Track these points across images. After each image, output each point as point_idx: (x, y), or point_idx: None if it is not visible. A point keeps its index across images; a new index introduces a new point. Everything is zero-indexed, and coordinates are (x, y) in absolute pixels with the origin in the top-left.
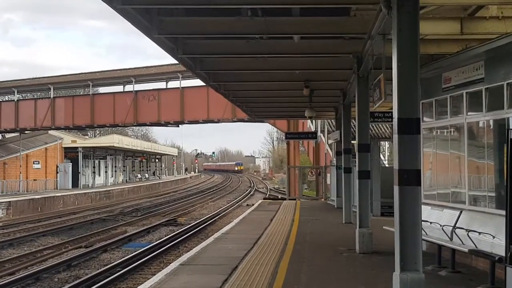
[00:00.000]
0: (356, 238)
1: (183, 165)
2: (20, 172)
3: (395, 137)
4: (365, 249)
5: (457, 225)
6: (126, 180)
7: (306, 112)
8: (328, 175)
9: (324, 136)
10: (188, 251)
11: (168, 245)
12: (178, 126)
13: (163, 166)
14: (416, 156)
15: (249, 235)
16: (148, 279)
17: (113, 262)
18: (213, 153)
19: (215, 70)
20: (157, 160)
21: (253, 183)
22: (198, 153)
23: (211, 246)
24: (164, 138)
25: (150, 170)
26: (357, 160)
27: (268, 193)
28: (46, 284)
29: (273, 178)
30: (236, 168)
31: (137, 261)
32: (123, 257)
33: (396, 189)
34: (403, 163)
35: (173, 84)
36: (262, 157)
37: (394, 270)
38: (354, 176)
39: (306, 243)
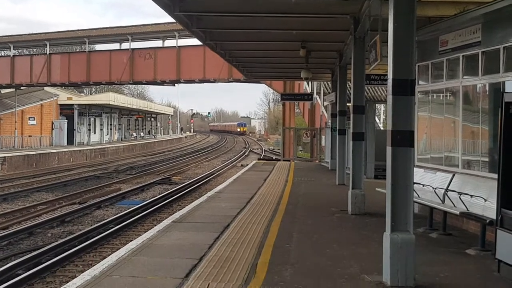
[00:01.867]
0: (348, 199)
1: (179, 125)
2: (16, 128)
3: (389, 97)
4: (358, 211)
5: (449, 188)
6: (121, 138)
7: (302, 73)
8: (323, 137)
9: (319, 98)
10: (181, 209)
11: (162, 203)
12: (174, 85)
13: (158, 125)
14: (409, 118)
15: (242, 194)
16: (140, 235)
17: (106, 219)
18: (209, 113)
19: (212, 29)
20: (152, 119)
21: (248, 144)
22: (194, 113)
23: (204, 205)
24: (160, 97)
25: (145, 129)
26: (351, 122)
27: (263, 154)
28: (39, 239)
29: (268, 139)
30: (239, 130)
31: (130, 218)
32: (117, 214)
33: (388, 150)
34: (397, 124)
35: (170, 43)
36: (258, 119)
37: (385, 231)
38: (348, 138)
39: (299, 204)
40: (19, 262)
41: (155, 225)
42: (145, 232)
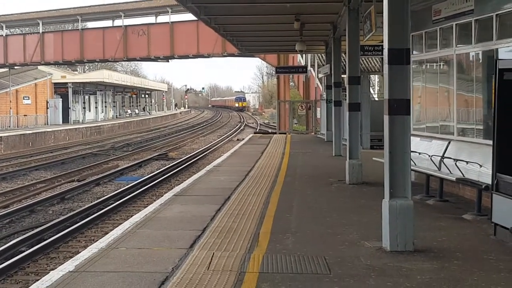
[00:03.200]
0: (346, 169)
1: (173, 101)
2: (10, 108)
3: (386, 67)
4: (355, 180)
5: (445, 155)
6: (116, 115)
7: (297, 46)
8: (318, 109)
9: (314, 70)
10: (179, 184)
11: (160, 179)
12: (168, 61)
13: (153, 101)
14: (405, 86)
15: (240, 167)
16: (141, 210)
17: (106, 195)
18: (203, 88)
19: (206, 4)
20: (147, 96)
21: (243, 118)
22: (188, 89)
23: (203, 178)
24: (154, 74)
25: (140, 105)
26: (347, 92)
27: (258, 128)
28: (41, 216)
29: (263, 113)
30: (237, 105)
31: (130, 194)
32: (116, 190)
33: (386, 118)
34: (393, 93)
35: (162, 19)
36: (252, 93)
37: (384, 198)
38: (344, 110)
39: (297, 175)
40: (22, 239)
41: (156, 200)
42: (146, 206)
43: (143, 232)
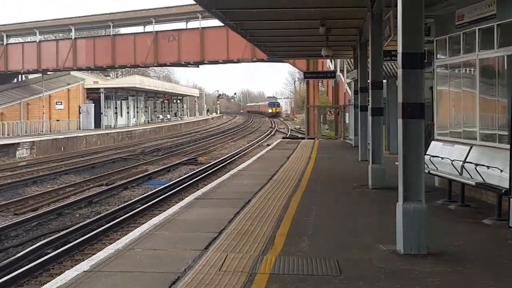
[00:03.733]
0: (369, 174)
1: (205, 106)
2: (43, 113)
3: (399, 71)
4: (377, 185)
5: (466, 160)
6: (148, 121)
7: (323, 51)
8: (347, 114)
9: (343, 75)
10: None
11: (188, 183)
12: (198, 66)
13: (184, 107)
14: (419, 90)
15: (264, 172)
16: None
17: (133, 199)
18: (235, 94)
19: (232, 9)
20: (178, 101)
21: (274, 123)
22: (220, 94)
23: (226, 182)
24: (186, 80)
25: (171, 111)
26: (370, 97)
27: (289, 133)
28: (68, 219)
29: (295, 118)
30: (270, 111)
31: (156, 198)
32: (143, 194)
33: (399, 122)
34: (407, 97)
35: (193, 24)
36: (284, 98)
37: (398, 201)
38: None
39: (320, 179)
40: (48, 241)
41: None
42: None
43: (160, 234)
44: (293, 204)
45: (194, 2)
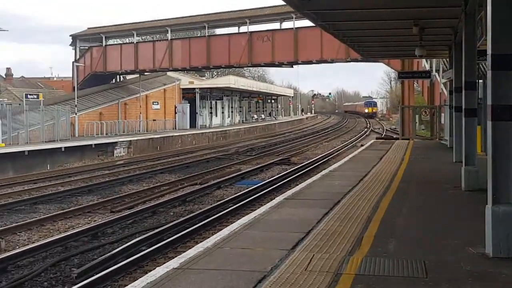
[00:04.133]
0: (462, 176)
1: (299, 106)
2: (140, 113)
3: (489, 73)
4: (471, 187)
5: None
6: (243, 120)
7: (416, 51)
8: (442, 114)
9: (439, 75)
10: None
11: (280, 183)
12: (292, 67)
13: (279, 107)
14: (509, 92)
15: (356, 172)
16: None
17: (225, 198)
18: (330, 94)
19: (323, 10)
20: (273, 101)
21: (370, 123)
22: (315, 94)
23: (317, 182)
24: (281, 79)
25: (266, 111)
26: (463, 98)
27: (384, 133)
28: (162, 217)
29: (390, 118)
30: (366, 111)
31: (249, 198)
32: (235, 193)
33: (489, 124)
34: (496, 98)
35: (287, 24)
36: (380, 98)
37: (487, 203)
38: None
39: (412, 181)
40: (142, 239)
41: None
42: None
43: (249, 233)
44: (382, 205)
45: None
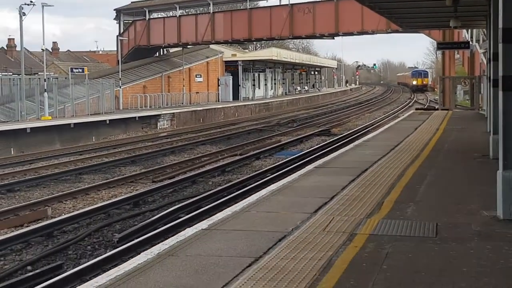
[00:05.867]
0: (490, 144)
1: (343, 77)
2: (183, 85)
3: (500, 46)
4: (498, 155)
5: None
6: (286, 92)
7: (451, 22)
8: (482, 84)
9: (479, 45)
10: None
11: (318, 153)
12: (333, 38)
13: (322, 78)
14: None
15: (389, 142)
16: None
17: (263, 168)
18: (374, 65)
19: None
20: (316, 73)
21: (414, 94)
22: (359, 65)
23: (349, 152)
24: (325, 51)
25: (309, 82)
26: (491, 68)
27: (428, 104)
28: (201, 186)
29: (436, 89)
30: (414, 83)
31: (286, 168)
32: (274, 163)
33: (500, 94)
34: (507, 70)
35: None
36: (426, 68)
37: (498, 169)
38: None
39: (443, 150)
40: (181, 206)
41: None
42: None
43: (276, 198)
44: (408, 173)
45: None
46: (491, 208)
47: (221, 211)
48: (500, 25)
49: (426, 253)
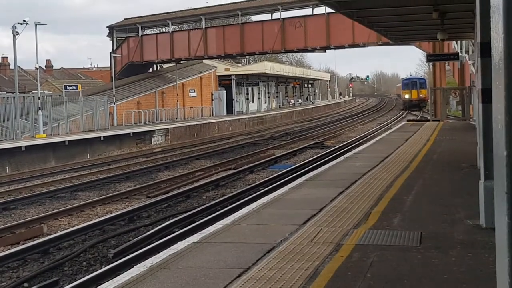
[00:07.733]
0: (477, 155)
1: (337, 90)
2: (177, 100)
3: (477, 60)
4: None
5: None
6: (279, 105)
7: (438, 35)
8: (472, 95)
9: (468, 56)
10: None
11: (311, 166)
12: (325, 51)
13: (316, 91)
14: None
15: (379, 154)
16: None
17: (257, 182)
18: (368, 76)
19: None
20: (309, 85)
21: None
22: (352, 77)
23: (339, 164)
24: (318, 64)
25: (303, 95)
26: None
27: (421, 115)
28: (195, 201)
29: (428, 100)
30: (407, 96)
31: (279, 181)
32: (267, 177)
33: (480, 106)
34: (485, 83)
35: (319, 10)
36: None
37: (480, 179)
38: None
39: (431, 161)
40: (175, 221)
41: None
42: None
43: (266, 211)
44: (397, 184)
45: None
46: (475, 217)
47: (213, 224)
48: (478, 40)
49: (409, 262)
